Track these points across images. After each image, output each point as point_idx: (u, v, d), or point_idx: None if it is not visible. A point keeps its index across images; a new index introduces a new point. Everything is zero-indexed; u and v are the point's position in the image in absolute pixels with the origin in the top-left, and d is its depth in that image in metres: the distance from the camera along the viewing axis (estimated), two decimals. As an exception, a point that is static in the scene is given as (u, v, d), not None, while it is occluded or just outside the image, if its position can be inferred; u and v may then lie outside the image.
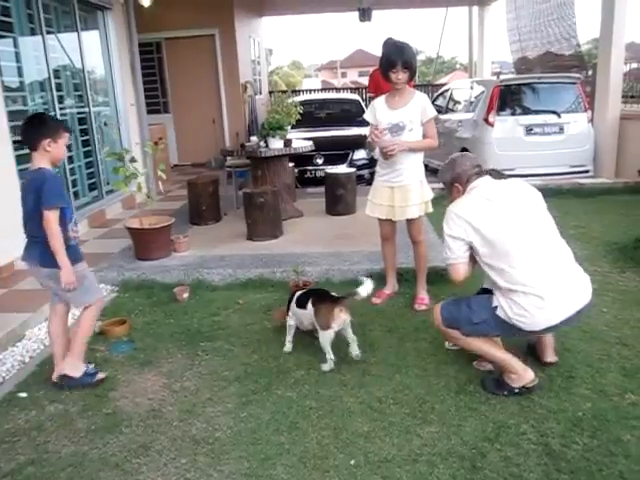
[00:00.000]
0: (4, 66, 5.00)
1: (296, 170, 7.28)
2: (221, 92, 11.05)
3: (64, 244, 2.78)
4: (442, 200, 3.27)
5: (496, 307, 2.61)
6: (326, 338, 2.99)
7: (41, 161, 2.82)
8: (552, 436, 2.40)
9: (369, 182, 6.76)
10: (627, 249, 4.66)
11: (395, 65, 3.52)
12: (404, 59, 3.52)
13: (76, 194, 6.13)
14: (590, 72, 8.94)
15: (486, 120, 7.44)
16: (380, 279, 4.11)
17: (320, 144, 6.77)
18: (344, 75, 48.01)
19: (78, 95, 6.45)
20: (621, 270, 4.33)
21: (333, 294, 3.12)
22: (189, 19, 10.26)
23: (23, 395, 2.93)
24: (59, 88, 5.94)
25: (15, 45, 5.27)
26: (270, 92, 15.14)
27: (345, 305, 3.01)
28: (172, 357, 3.29)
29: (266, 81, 15.40)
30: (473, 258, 2.72)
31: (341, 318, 2.98)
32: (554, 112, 7.45)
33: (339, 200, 6.06)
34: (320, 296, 3.13)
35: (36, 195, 2.74)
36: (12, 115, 4.95)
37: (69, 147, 5.98)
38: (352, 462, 2.31)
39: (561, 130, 7.47)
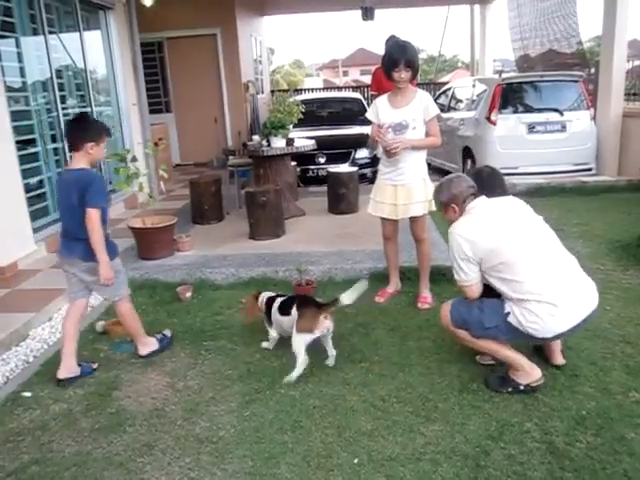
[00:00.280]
0: (6, 66, 5.00)
1: (298, 169, 7.27)
2: (223, 91, 11.05)
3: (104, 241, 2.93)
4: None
5: (508, 313, 2.61)
6: (304, 341, 2.91)
7: (81, 161, 2.95)
8: (556, 434, 2.40)
9: (371, 181, 6.76)
10: (630, 247, 4.65)
11: (398, 64, 3.52)
12: (407, 58, 3.51)
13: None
14: (592, 70, 8.91)
15: (488, 118, 7.42)
16: (383, 278, 4.12)
17: (322, 143, 6.78)
18: (346, 74, 47.99)
19: (80, 95, 6.46)
20: (624, 268, 4.32)
21: (317, 300, 3.06)
22: (191, 18, 10.27)
23: (27, 395, 2.93)
24: (61, 88, 5.94)
25: (17, 45, 5.27)
26: (272, 91, 15.14)
27: (330, 312, 2.96)
28: (175, 356, 3.29)
29: (268, 80, 15.40)
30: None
31: (325, 325, 2.93)
32: (556, 110, 7.42)
33: (341, 199, 6.05)
34: (305, 301, 3.07)
35: (81, 194, 2.86)
36: (15, 115, 4.96)
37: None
38: (356, 461, 2.31)
39: (563, 128, 7.45)
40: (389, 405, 2.68)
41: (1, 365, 3.28)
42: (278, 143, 5.69)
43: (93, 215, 2.84)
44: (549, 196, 6.62)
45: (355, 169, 6.39)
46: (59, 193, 3.11)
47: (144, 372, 3.12)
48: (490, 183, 2.98)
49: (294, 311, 3.00)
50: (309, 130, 7.94)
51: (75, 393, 2.93)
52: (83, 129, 2.96)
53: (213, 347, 3.37)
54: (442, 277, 4.07)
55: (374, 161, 7.32)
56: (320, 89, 18.90)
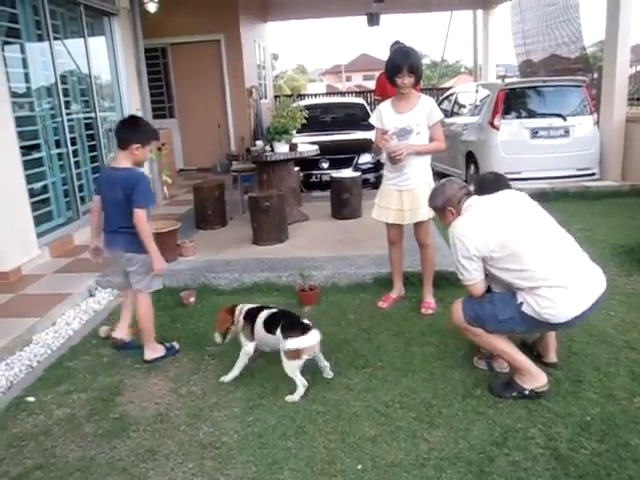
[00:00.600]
0: (12, 72, 5.02)
1: (301, 174, 7.29)
2: (226, 97, 11.09)
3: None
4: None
5: (522, 303, 2.60)
6: (295, 367, 2.81)
7: (125, 161, 3.08)
8: (560, 440, 2.39)
9: (375, 186, 6.77)
10: (634, 252, 4.63)
11: (401, 70, 3.53)
12: (410, 64, 3.52)
13: (82, 199, 6.15)
14: (595, 75, 8.91)
15: (491, 123, 7.43)
16: (386, 283, 4.12)
17: (325, 148, 6.78)
18: (349, 79, 48.05)
19: (85, 100, 6.48)
20: (628, 273, 4.31)
21: (304, 321, 2.93)
22: (194, 24, 10.32)
23: (31, 399, 2.94)
24: (66, 93, 5.97)
25: (22, 51, 5.31)
26: (275, 96, 15.17)
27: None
28: (178, 361, 3.29)
29: (271, 85, 15.44)
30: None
31: (311, 349, 2.83)
32: (560, 115, 7.43)
33: (345, 204, 6.06)
34: (291, 323, 2.90)
35: (127, 193, 3.00)
36: (19, 121, 4.99)
37: (75, 152, 6.01)
38: (359, 467, 2.30)
39: (567, 133, 7.45)
40: (392, 411, 2.67)
41: (5, 370, 3.29)
42: (281, 148, 5.70)
43: (141, 215, 2.98)
44: (552, 201, 6.60)
45: (358, 174, 6.39)
46: (103, 188, 3.19)
47: (147, 377, 3.12)
48: (496, 187, 2.98)
49: (278, 333, 2.86)
50: (312, 135, 7.95)
51: (78, 398, 2.93)
52: (131, 130, 3.09)
53: (216, 352, 3.36)
54: (445, 282, 4.06)
55: (377, 166, 7.33)
56: (323, 94, 18.96)
